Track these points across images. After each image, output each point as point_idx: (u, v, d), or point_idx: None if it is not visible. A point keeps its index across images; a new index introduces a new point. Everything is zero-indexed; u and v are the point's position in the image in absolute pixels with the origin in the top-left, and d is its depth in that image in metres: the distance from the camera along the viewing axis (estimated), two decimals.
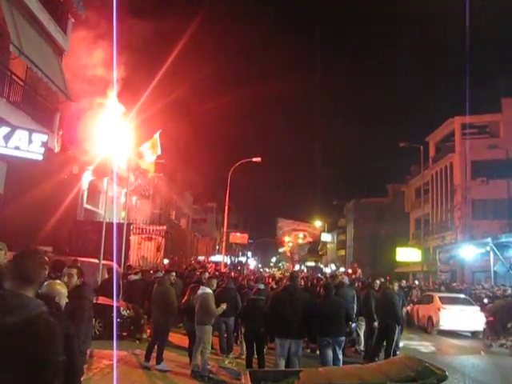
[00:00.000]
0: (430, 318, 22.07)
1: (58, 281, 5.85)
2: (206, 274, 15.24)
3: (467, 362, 15.26)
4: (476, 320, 20.41)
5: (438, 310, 21.60)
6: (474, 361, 15.73)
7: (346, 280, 16.70)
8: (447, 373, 5.76)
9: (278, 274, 50.64)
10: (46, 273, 6.80)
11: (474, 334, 20.91)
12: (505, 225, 38.71)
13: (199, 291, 11.39)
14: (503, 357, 16.46)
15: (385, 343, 13.15)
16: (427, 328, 21.95)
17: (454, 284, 31.78)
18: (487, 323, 18.95)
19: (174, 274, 14.54)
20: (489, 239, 29.74)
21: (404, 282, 34.21)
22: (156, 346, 11.57)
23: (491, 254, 29.70)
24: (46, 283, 5.60)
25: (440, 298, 22.84)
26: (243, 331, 12.67)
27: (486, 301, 23.06)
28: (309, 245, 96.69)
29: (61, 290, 5.02)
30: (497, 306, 19.21)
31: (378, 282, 15.63)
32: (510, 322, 17.42)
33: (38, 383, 2.69)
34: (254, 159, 39.94)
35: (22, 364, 2.58)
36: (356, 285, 18.44)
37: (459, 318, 21.03)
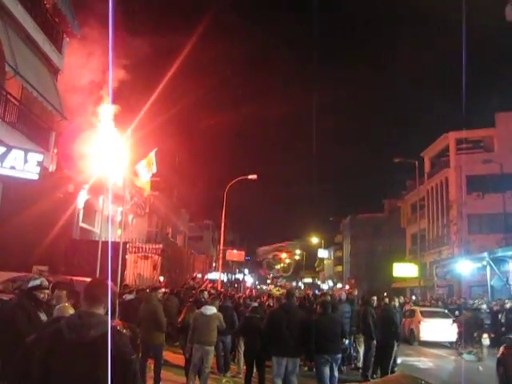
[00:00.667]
0: (411, 330, 23.49)
1: (67, 304, 6.16)
2: (205, 293, 15.21)
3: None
4: (452, 331, 21.86)
5: (419, 322, 23.20)
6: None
7: (343, 296, 16.68)
8: None
9: (275, 292, 50.55)
10: (47, 295, 6.88)
11: (452, 344, 22.21)
12: (501, 239, 38.74)
13: (207, 311, 11.33)
14: (472, 363, 17.68)
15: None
16: (410, 339, 23.06)
17: (451, 298, 31.69)
18: (458, 333, 20.98)
19: (161, 290, 14.48)
20: (485, 254, 29.83)
21: (402, 298, 34.24)
22: (153, 367, 11.40)
23: (488, 269, 29.76)
24: (57, 307, 5.75)
25: (421, 311, 24.35)
26: (243, 349, 12.63)
27: (457, 313, 24.57)
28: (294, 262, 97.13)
29: (71, 312, 5.20)
30: (466, 317, 20.84)
31: (374, 298, 15.59)
32: (475, 332, 19.05)
33: (129, 377, 3.51)
34: (250, 176, 39.96)
35: (105, 367, 3.38)
36: (356, 301, 18.41)
37: (437, 329, 22.76)
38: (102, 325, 3.57)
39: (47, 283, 7.00)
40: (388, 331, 13.17)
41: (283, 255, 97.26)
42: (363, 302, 16.32)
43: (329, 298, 14.94)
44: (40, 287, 6.68)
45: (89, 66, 21.00)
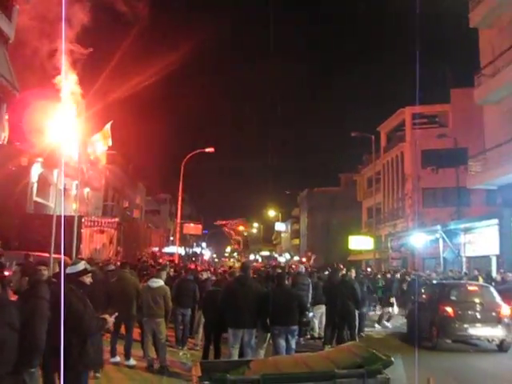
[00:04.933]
0: None
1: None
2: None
3: None
4: None
5: None
6: None
7: (301, 269, 16.88)
8: (393, 358, 5.94)
9: (230, 264, 50.83)
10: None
11: None
12: (453, 212, 39.57)
13: (153, 284, 11.29)
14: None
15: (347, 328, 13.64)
16: None
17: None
18: None
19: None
20: (438, 226, 30.39)
21: (369, 269, 35.02)
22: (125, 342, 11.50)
23: (440, 241, 30.36)
24: None
25: None
26: (203, 322, 12.68)
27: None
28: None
29: None
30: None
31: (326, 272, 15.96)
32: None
33: None
34: (207, 150, 39.70)
35: None
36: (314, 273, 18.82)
37: None
38: None
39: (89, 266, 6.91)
40: (348, 299, 13.59)
41: (241, 228, 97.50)
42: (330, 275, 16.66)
43: (280, 270, 15.23)
44: (85, 271, 6.58)
45: (41, 34, 20.36)
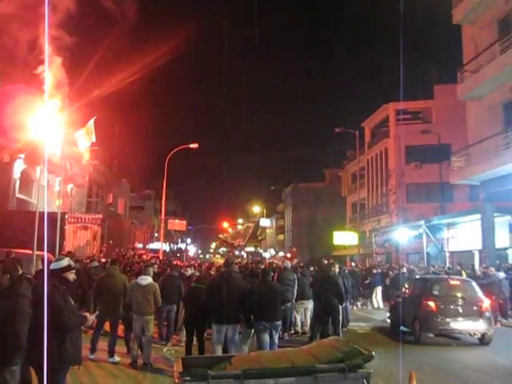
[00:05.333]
0: None
1: None
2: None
3: None
4: None
5: None
6: None
7: (287, 264, 16.92)
8: (374, 353, 5.99)
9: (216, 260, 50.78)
10: None
11: None
12: (437, 207, 39.83)
13: (142, 281, 11.28)
14: None
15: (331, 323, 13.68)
16: None
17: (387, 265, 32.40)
18: None
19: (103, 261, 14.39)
20: (422, 222, 30.53)
21: (353, 264, 35.32)
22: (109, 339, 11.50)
23: (424, 236, 30.51)
24: None
25: None
26: (184, 318, 12.68)
27: None
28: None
29: None
30: None
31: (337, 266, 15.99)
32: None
33: None
34: (191, 145, 39.59)
35: None
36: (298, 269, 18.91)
37: None
38: None
39: (73, 263, 6.90)
40: (332, 294, 13.64)
41: (225, 224, 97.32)
42: (319, 270, 16.73)
43: (263, 266, 15.27)
44: (69, 268, 6.54)
45: (24, 27, 20.10)
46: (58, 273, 6.34)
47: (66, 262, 6.58)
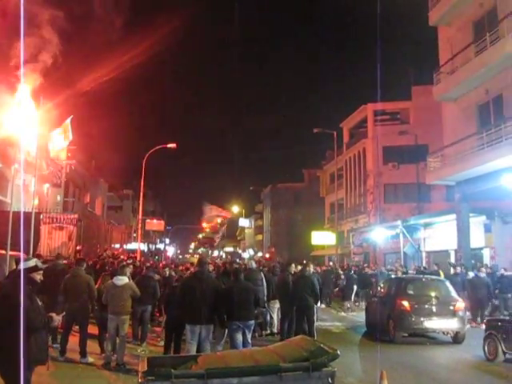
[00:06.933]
0: None
1: None
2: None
3: None
4: None
5: None
6: None
7: (252, 264, 16.91)
8: (339, 352, 6.01)
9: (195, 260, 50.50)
10: None
11: None
12: (414, 208, 40.16)
13: (118, 282, 11.22)
14: None
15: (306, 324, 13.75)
16: None
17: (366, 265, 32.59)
18: None
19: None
20: (399, 222, 30.76)
21: (331, 263, 35.51)
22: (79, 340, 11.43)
23: (401, 236, 30.74)
24: None
25: None
26: (165, 319, 12.65)
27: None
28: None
29: None
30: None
31: (293, 265, 15.93)
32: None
33: None
34: (169, 145, 39.41)
35: None
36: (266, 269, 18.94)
37: None
38: None
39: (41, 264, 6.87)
40: (308, 294, 13.71)
41: (204, 224, 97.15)
42: (282, 270, 16.72)
43: (237, 266, 15.24)
44: (36, 268, 6.51)
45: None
46: (24, 273, 6.30)
47: (32, 262, 6.56)
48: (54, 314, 6.54)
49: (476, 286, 19.35)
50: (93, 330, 12.66)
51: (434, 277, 18.81)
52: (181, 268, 21.33)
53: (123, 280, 11.25)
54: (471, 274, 20.45)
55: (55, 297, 11.80)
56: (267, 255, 62.67)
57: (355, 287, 25.45)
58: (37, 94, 20.95)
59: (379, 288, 18.26)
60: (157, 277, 15.99)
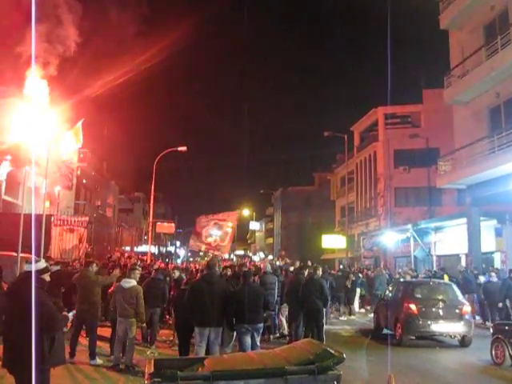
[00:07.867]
0: None
1: None
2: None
3: None
4: None
5: None
6: None
7: (268, 268, 16.92)
8: (344, 355, 6.01)
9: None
10: None
11: None
12: (425, 211, 40.00)
13: (126, 284, 11.27)
14: None
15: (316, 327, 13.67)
16: None
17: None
18: None
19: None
20: (409, 225, 30.66)
21: (341, 266, 35.37)
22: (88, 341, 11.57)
23: (411, 240, 30.64)
24: None
25: None
26: (174, 321, 12.68)
27: None
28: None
29: None
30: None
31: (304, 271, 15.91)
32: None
33: None
34: (180, 148, 39.45)
35: None
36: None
37: None
38: None
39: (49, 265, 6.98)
40: (318, 297, 13.66)
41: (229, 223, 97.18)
42: (295, 273, 16.72)
43: (246, 269, 15.27)
44: (47, 270, 6.62)
45: (10, 27, 20.02)
46: (36, 274, 6.38)
47: (43, 263, 6.63)
48: (65, 313, 6.63)
49: (488, 290, 19.33)
50: (106, 332, 12.80)
51: (441, 280, 18.81)
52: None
53: (130, 283, 11.29)
54: (482, 279, 20.38)
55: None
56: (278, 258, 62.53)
57: (358, 290, 25.36)
58: (48, 97, 21.13)
59: (377, 291, 18.34)
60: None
